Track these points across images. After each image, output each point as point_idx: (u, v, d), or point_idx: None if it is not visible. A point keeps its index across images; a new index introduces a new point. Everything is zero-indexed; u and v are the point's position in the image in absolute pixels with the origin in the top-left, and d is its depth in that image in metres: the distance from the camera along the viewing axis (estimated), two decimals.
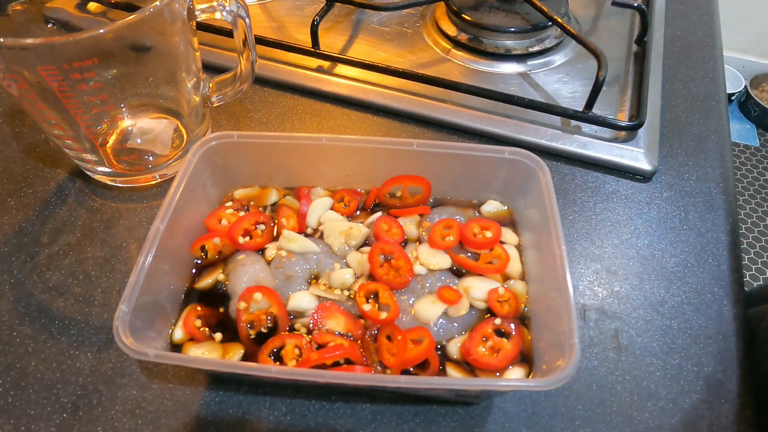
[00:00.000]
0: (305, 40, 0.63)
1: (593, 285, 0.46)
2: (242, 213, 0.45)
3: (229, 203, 0.45)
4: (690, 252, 0.49)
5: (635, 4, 0.65)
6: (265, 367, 0.33)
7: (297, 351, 0.37)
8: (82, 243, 0.48)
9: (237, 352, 0.38)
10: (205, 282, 0.41)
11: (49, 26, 0.69)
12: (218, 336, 0.38)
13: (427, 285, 0.40)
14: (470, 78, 0.62)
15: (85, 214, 0.50)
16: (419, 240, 0.44)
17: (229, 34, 0.63)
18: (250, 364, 0.36)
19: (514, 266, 0.42)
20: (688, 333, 0.44)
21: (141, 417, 0.38)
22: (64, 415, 0.38)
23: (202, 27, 0.64)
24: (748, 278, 1.69)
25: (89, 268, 0.46)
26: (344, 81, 0.61)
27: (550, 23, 0.64)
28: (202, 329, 0.38)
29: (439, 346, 0.39)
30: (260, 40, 0.62)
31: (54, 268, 0.46)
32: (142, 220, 0.49)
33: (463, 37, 0.66)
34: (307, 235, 0.44)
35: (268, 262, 0.42)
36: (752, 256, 1.75)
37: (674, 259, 0.48)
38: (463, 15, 0.65)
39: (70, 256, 0.47)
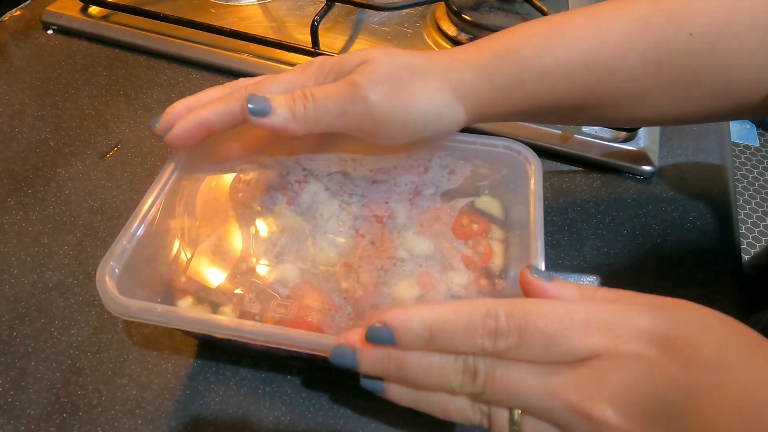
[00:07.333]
0: (305, 40, 0.63)
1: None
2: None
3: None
4: (690, 253, 0.49)
5: None
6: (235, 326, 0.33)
7: (277, 316, 0.38)
8: (82, 243, 0.48)
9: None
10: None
11: (49, 32, 0.68)
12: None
13: (409, 269, 0.42)
14: None
15: (85, 213, 0.50)
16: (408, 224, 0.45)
17: (230, 34, 0.63)
18: (221, 320, 0.35)
19: (497, 262, 0.43)
20: None
21: (141, 417, 0.38)
22: (64, 415, 0.38)
23: (205, 28, 0.64)
24: None
25: (89, 268, 0.46)
26: None
27: None
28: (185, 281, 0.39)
29: None
30: (260, 40, 0.62)
31: (54, 268, 0.46)
32: None
33: (463, 37, 0.65)
34: (301, 211, 0.45)
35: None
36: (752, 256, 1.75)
37: (674, 259, 0.48)
38: (463, 15, 0.65)
39: (70, 256, 0.47)
